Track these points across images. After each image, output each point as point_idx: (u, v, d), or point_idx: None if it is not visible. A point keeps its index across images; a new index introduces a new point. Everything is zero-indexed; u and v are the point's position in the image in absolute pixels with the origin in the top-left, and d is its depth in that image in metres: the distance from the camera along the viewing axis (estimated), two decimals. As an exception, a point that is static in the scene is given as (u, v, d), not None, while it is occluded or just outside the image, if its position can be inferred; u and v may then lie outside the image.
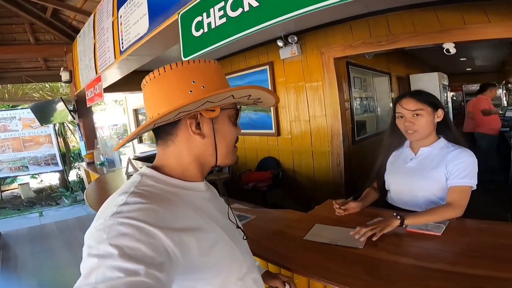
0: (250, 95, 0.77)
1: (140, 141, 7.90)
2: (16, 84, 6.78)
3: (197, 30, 1.85)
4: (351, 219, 1.55)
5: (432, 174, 1.48)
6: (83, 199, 4.18)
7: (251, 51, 4.33)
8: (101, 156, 4.34)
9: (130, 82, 3.91)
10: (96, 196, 2.96)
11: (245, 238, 0.88)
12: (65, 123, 7.29)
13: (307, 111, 3.78)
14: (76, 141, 8.01)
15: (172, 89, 0.70)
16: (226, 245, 0.74)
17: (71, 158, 7.41)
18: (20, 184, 6.92)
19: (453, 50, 2.97)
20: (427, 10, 2.72)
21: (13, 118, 6.24)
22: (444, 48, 2.98)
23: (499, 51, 6.17)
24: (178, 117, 0.71)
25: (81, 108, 4.94)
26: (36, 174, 6.94)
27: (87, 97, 3.89)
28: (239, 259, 0.77)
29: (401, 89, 5.76)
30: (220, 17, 1.67)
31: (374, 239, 1.26)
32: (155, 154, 0.79)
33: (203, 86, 0.71)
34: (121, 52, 2.80)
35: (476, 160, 1.43)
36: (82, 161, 5.44)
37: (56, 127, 6.64)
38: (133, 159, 4.14)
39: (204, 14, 1.77)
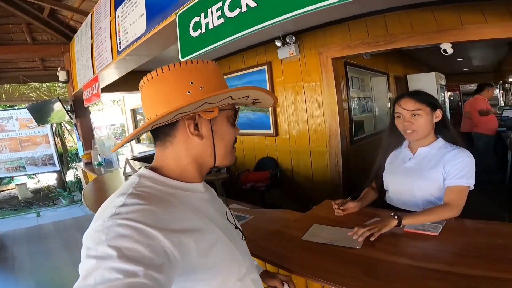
0: (248, 96, 0.77)
1: (138, 141, 7.88)
2: (13, 84, 6.76)
3: (194, 30, 1.84)
4: (349, 219, 1.55)
5: (430, 174, 1.48)
6: (81, 199, 4.16)
7: (249, 51, 4.32)
8: (98, 156, 4.32)
9: (128, 82, 3.90)
10: (93, 197, 2.95)
11: (243, 238, 0.88)
12: (62, 124, 7.26)
13: (305, 111, 3.78)
14: (73, 141, 7.99)
15: (170, 90, 0.70)
16: (225, 246, 0.74)
17: (68, 158, 7.39)
18: (17, 184, 6.89)
19: (450, 51, 2.98)
20: (424, 10, 2.72)
21: (10, 118, 6.20)
22: (441, 48, 2.99)
23: (496, 51, 6.20)
24: (176, 119, 0.71)
25: (78, 109, 4.93)
26: (33, 174, 6.90)
27: (84, 98, 3.88)
28: (238, 260, 0.77)
29: (399, 89, 5.78)
30: (218, 18, 1.67)
31: (372, 239, 1.26)
32: (153, 154, 0.79)
33: (201, 87, 0.71)
34: (118, 52, 2.79)
35: (474, 160, 1.43)
36: (80, 161, 5.43)
37: (53, 128, 6.61)
38: (131, 159, 4.13)
39: (202, 15, 1.77)
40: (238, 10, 1.56)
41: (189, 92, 0.70)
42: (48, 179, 7.50)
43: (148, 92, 0.73)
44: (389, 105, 5.25)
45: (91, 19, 3.38)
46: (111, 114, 13.37)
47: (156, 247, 0.56)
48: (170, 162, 0.75)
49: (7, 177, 6.79)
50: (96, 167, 4.30)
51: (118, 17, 2.70)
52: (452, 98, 9.32)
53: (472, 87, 7.55)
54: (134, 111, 8.15)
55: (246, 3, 1.51)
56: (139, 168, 0.78)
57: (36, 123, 5.62)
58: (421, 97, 1.51)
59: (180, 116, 0.70)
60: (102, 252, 0.52)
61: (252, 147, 4.58)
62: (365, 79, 4.54)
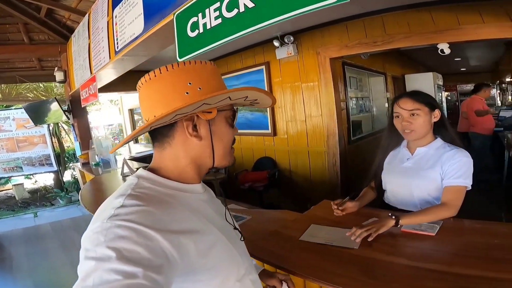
0: (247, 97, 0.77)
1: (136, 141, 7.87)
2: (10, 84, 6.73)
3: (192, 30, 1.84)
4: (347, 219, 1.56)
5: (428, 174, 1.49)
6: (78, 200, 4.15)
7: (247, 51, 4.33)
8: (96, 156, 4.31)
9: (126, 82, 3.88)
10: (91, 197, 2.94)
11: (242, 239, 0.88)
12: (59, 124, 7.23)
13: (303, 111, 3.78)
14: (70, 141, 7.95)
15: (168, 91, 0.70)
16: (224, 247, 0.74)
17: (65, 158, 7.35)
18: (14, 185, 6.85)
19: (447, 51, 2.99)
20: (422, 10, 2.73)
21: (7, 118, 6.18)
22: (438, 48, 3.00)
23: (493, 51, 6.23)
24: (175, 120, 0.71)
25: (75, 109, 4.90)
26: (30, 175, 6.88)
27: (81, 98, 3.87)
28: (237, 261, 0.77)
29: (397, 89, 5.79)
30: (216, 18, 1.67)
31: (369, 239, 1.26)
32: (151, 154, 0.79)
33: (200, 88, 0.70)
34: (116, 52, 2.78)
35: (472, 160, 1.44)
36: (77, 161, 5.40)
37: (51, 128, 6.58)
38: (128, 159, 4.13)
39: (200, 15, 1.76)
40: (236, 11, 1.55)
41: (187, 93, 0.69)
42: (45, 179, 7.47)
43: (146, 93, 0.73)
44: (386, 105, 5.27)
45: (89, 19, 3.37)
46: (109, 114, 13.33)
47: (155, 248, 0.56)
48: (168, 163, 0.75)
49: (4, 177, 6.76)
50: (94, 167, 4.29)
51: (116, 17, 2.69)
52: (449, 98, 9.37)
53: (469, 87, 7.59)
54: (132, 111, 8.13)
55: (244, 4, 1.50)
56: (137, 168, 0.78)
57: (33, 124, 5.61)
58: (420, 97, 1.52)
59: (178, 118, 0.70)
60: (101, 254, 0.52)
61: (250, 147, 4.58)
62: (363, 79, 4.55)
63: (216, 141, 0.75)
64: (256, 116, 4.39)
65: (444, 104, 8.08)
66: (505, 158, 4.07)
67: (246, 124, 4.45)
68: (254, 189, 3.87)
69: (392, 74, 5.71)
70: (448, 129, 1.56)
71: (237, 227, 0.89)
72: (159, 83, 0.71)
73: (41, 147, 6.32)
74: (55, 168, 6.43)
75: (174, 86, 0.70)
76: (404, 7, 2.80)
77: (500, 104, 8.44)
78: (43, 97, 7.14)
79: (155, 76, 0.71)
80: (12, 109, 6.48)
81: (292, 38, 3.52)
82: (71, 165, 7.31)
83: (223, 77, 0.78)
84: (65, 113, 5.01)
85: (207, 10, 1.71)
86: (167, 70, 0.71)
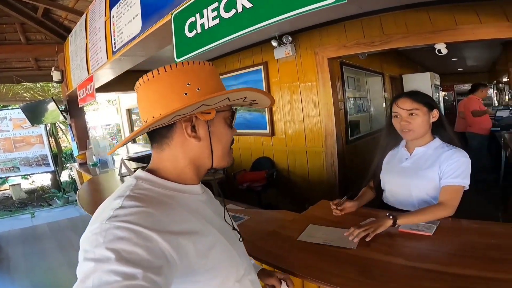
0: (245, 97, 0.77)
1: (134, 141, 7.84)
2: (7, 84, 6.68)
3: (190, 31, 1.84)
4: (344, 219, 1.56)
5: (426, 174, 1.50)
6: (76, 200, 4.14)
7: (245, 51, 4.32)
8: (93, 156, 4.30)
9: (123, 82, 3.88)
10: (88, 197, 2.93)
11: (241, 240, 0.88)
12: (56, 124, 7.21)
13: (301, 111, 3.79)
14: (68, 141, 7.92)
15: (166, 92, 0.70)
16: (224, 247, 0.74)
17: (63, 159, 7.33)
18: (11, 185, 6.83)
19: (444, 51, 3.00)
20: (419, 10, 2.74)
21: (3, 118, 6.15)
22: (436, 48, 3.01)
23: (490, 51, 6.26)
24: (174, 121, 0.70)
25: (73, 109, 4.89)
26: (27, 175, 6.85)
27: (79, 98, 3.86)
28: (237, 261, 0.77)
29: (394, 89, 5.81)
30: (213, 18, 1.66)
31: (367, 239, 1.27)
32: (149, 154, 0.79)
33: (198, 89, 0.70)
34: (113, 52, 2.77)
35: (470, 160, 1.45)
36: (74, 161, 5.39)
37: (48, 128, 6.55)
38: (126, 160, 4.12)
39: (197, 15, 1.76)
40: (233, 11, 1.55)
41: (186, 94, 0.69)
42: (43, 179, 7.45)
43: (144, 94, 0.73)
44: (384, 105, 5.28)
45: (86, 19, 3.36)
46: (106, 114, 13.27)
47: (154, 249, 0.56)
48: (167, 163, 0.74)
49: (1, 178, 6.74)
50: (91, 167, 4.28)
51: (113, 17, 2.68)
52: (446, 98, 9.39)
53: (466, 87, 7.63)
54: (129, 111, 8.11)
55: (242, 4, 1.50)
56: (135, 169, 0.78)
57: (30, 124, 5.58)
58: (418, 97, 1.53)
59: (177, 119, 0.70)
60: (100, 255, 0.52)
61: (248, 147, 4.58)
62: (361, 79, 4.56)
63: (215, 142, 0.75)
64: (254, 116, 4.39)
65: (442, 104, 8.11)
66: (502, 158, 4.09)
67: (244, 124, 4.45)
68: (252, 189, 3.87)
69: (390, 74, 5.73)
70: (447, 129, 1.57)
71: (236, 227, 0.89)
72: (158, 84, 0.70)
73: (38, 147, 6.29)
74: (52, 168, 6.41)
75: (172, 87, 0.70)
76: (402, 7, 2.81)
77: (497, 104, 8.47)
78: (40, 97, 7.10)
79: (153, 77, 0.70)
80: (9, 109, 6.45)
81: (290, 38, 3.52)
82: (68, 165, 7.30)
83: (221, 77, 0.78)
84: (62, 113, 5.00)
85: (204, 11, 1.71)
86: (165, 71, 0.70)
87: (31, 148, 6.26)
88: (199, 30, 1.78)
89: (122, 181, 3.24)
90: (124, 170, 3.35)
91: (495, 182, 4.14)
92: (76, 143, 5.10)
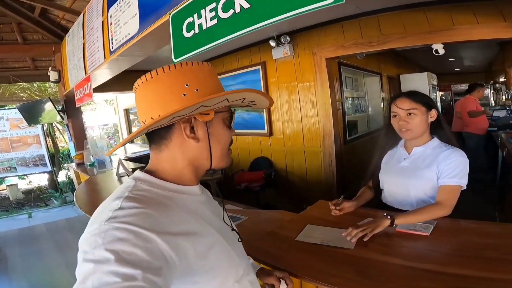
0: (244, 98, 0.77)
1: (132, 141, 7.83)
2: (4, 84, 6.66)
3: (188, 31, 1.83)
4: (342, 219, 1.56)
5: (424, 173, 1.50)
6: (73, 200, 4.12)
7: (243, 51, 4.32)
8: (91, 156, 4.28)
9: (121, 82, 3.87)
10: (86, 197, 2.92)
11: (240, 240, 0.88)
12: (53, 124, 7.17)
13: (299, 111, 3.79)
14: (65, 141, 7.88)
15: (165, 92, 0.70)
16: (223, 248, 0.74)
17: (60, 159, 7.30)
18: (8, 185, 6.79)
19: (441, 51, 3.01)
20: (417, 11, 2.75)
21: (0, 118, 6.12)
22: (433, 49, 3.02)
23: (487, 51, 6.28)
24: (172, 122, 0.70)
25: (70, 109, 4.86)
26: (24, 175, 6.82)
27: (76, 98, 3.84)
28: (236, 262, 0.77)
29: (392, 89, 5.83)
30: (211, 18, 1.66)
31: (365, 239, 1.27)
32: (147, 154, 0.79)
33: (197, 90, 0.70)
34: (111, 53, 2.76)
35: (468, 160, 1.46)
36: (72, 161, 5.37)
37: (45, 128, 6.53)
38: (124, 160, 4.11)
39: (195, 15, 1.76)
40: (231, 11, 1.55)
41: (184, 94, 0.69)
42: (40, 179, 7.41)
43: (143, 95, 0.73)
44: (382, 105, 5.30)
45: (83, 19, 3.34)
46: (104, 114, 13.24)
47: (153, 250, 0.56)
48: (165, 164, 0.74)
49: (-3, 178, 6.71)
50: (89, 167, 4.26)
51: (111, 17, 2.68)
52: (443, 98, 9.43)
53: (463, 87, 7.65)
54: (127, 111, 8.10)
55: (240, 4, 1.50)
56: (132, 169, 0.78)
57: (27, 124, 5.56)
58: (417, 97, 1.54)
59: (176, 120, 0.70)
60: (99, 256, 0.52)
61: (246, 147, 4.58)
62: (359, 79, 4.57)
63: (213, 143, 0.75)
64: (252, 116, 4.39)
65: (439, 104, 8.12)
66: (499, 158, 4.11)
67: (243, 124, 4.45)
68: (251, 189, 3.87)
69: (388, 74, 5.74)
70: (445, 129, 1.58)
71: (235, 228, 0.89)
72: (156, 84, 0.70)
73: (35, 147, 6.27)
74: (49, 168, 6.39)
75: (171, 87, 0.70)
76: (399, 7, 2.82)
77: (493, 104, 8.51)
78: (37, 97, 7.08)
79: (152, 77, 0.70)
80: (5, 109, 6.42)
81: (288, 38, 3.53)
82: (65, 165, 7.26)
83: (219, 77, 0.78)
84: (59, 113, 4.98)
85: (202, 11, 1.71)
86: (164, 71, 0.70)
87: (28, 148, 6.24)
88: (197, 31, 1.77)
89: (120, 181, 3.23)
90: (121, 170, 3.34)
91: (492, 182, 4.15)
92: (74, 143, 5.07)
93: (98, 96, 9.01)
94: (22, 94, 7.32)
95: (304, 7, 1.24)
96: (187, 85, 0.70)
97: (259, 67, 4.10)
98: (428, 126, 1.56)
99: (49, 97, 5.10)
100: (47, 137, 6.63)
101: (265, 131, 4.22)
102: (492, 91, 9.05)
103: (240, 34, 1.53)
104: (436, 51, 3.02)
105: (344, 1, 1.15)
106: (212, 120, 0.74)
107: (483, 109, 5.04)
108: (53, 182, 6.80)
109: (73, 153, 5.16)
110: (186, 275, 0.64)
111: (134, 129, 8.02)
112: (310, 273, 1.12)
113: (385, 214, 1.35)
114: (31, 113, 5.29)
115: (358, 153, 4.09)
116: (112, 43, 2.71)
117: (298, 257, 1.25)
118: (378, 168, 1.72)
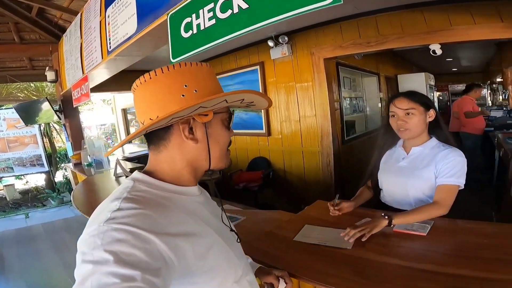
0: (243, 99, 0.77)
1: (130, 141, 7.79)
2: (1, 84, 6.62)
3: (186, 31, 1.83)
4: (340, 219, 1.57)
5: (422, 173, 1.51)
6: (70, 201, 4.11)
7: (241, 51, 4.32)
8: (88, 156, 4.27)
9: (119, 82, 3.87)
10: (83, 198, 2.91)
11: (238, 241, 0.88)
12: (50, 124, 7.15)
13: (297, 112, 3.80)
14: (62, 141, 7.86)
15: (164, 93, 0.70)
16: (221, 249, 0.74)
17: (57, 159, 7.27)
18: (5, 185, 6.75)
19: (439, 51, 3.02)
20: (414, 11, 2.76)
21: (-3, 118, 6.09)
22: (430, 49, 3.03)
23: (484, 52, 6.30)
24: (171, 123, 0.70)
25: (67, 109, 4.85)
26: (21, 175, 6.79)
27: (73, 98, 3.83)
28: (235, 262, 0.77)
29: (390, 89, 5.84)
30: (209, 19, 1.66)
31: (363, 239, 1.28)
32: (144, 154, 0.79)
33: (196, 90, 0.70)
34: (108, 52, 2.76)
35: (465, 160, 1.46)
36: (69, 161, 5.34)
37: (42, 128, 6.50)
38: (122, 160, 4.10)
39: (193, 15, 1.76)
40: (229, 12, 1.55)
41: (183, 95, 0.69)
42: (37, 179, 7.38)
43: (141, 95, 0.73)
44: (380, 105, 5.31)
45: (81, 19, 3.33)
46: (101, 113, 13.21)
47: (152, 251, 0.56)
48: (164, 165, 0.74)
49: (-6, 178, 6.67)
50: (86, 167, 4.24)
51: (109, 16, 2.67)
52: (441, 98, 9.45)
53: (461, 87, 7.68)
54: (125, 111, 8.06)
55: (238, 5, 1.50)
56: (130, 169, 0.77)
57: (24, 124, 5.53)
58: (415, 97, 1.55)
59: (174, 121, 0.70)
60: (98, 257, 0.52)
61: (244, 147, 4.58)
62: (357, 79, 4.58)
63: (212, 144, 0.75)
64: (250, 116, 4.38)
65: (436, 104, 8.13)
66: (496, 158, 4.12)
67: (241, 124, 4.45)
68: (249, 189, 3.87)
69: (385, 75, 5.76)
70: (443, 129, 1.59)
71: (233, 228, 0.89)
72: (155, 85, 0.70)
73: (32, 147, 6.24)
74: (46, 168, 6.36)
75: (169, 88, 0.70)
76: (397, 7, 2.83)
77: (490, 105, 8.54)
78: (34, 97, 7.05)
79: (151, 78, 0.70)
80: (2, 109, 6.38)
81: (286, 38, 3.53)
82: (63, 165, 7.23)
83: (217, 77, 0.78)
84: (56, 113, 4.95)
85: (200, 11, 1.71)
86: (163, 72, 0.70)
87: (25, 148, 6.21)
88: (195, 31, 1.77)
89: (117, 181, 3.23)
90: (119, 170, 3.33)
91: (488, 182, 4.17)
92: (71, 143, 5.05)
93: (96, 96, 9.00)
94: (19, 94, 7.28)
95: (302, 8, 1.25)
96: (185, 86, 0.70)
97: (257, 67, 4.10)
98: (427, 126, 1.56)
99: (46, 97, 5.07)
100: (44, 137, 6.60)
101: (263, 131, 4.22)
102: (489, 91, 9.08)
103: (238, 35, 1.54)
104: (434, 51, 3.03)
105: (342, 2, 1.15)
106: (211, 121, 0.74)
107: (480, 109, 5.06)
108: (50, 182, 6.77)
109: (70, 153, 5.13)
110: (185, 275, 0.64)
111: (132, 129, 7.99)
112: (308, 273, 1.12)
113: (382, 214, 1.36)
114: (28, 113, 5.26)
115: (356, 153, 4.10)
116: (109, 43, 2.71)
117: (296, 257, 1.25)
118: (376, 168, 1.73)
